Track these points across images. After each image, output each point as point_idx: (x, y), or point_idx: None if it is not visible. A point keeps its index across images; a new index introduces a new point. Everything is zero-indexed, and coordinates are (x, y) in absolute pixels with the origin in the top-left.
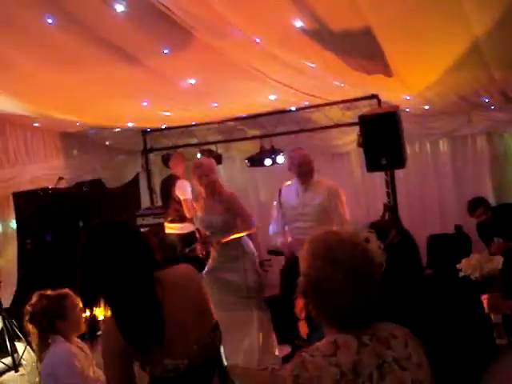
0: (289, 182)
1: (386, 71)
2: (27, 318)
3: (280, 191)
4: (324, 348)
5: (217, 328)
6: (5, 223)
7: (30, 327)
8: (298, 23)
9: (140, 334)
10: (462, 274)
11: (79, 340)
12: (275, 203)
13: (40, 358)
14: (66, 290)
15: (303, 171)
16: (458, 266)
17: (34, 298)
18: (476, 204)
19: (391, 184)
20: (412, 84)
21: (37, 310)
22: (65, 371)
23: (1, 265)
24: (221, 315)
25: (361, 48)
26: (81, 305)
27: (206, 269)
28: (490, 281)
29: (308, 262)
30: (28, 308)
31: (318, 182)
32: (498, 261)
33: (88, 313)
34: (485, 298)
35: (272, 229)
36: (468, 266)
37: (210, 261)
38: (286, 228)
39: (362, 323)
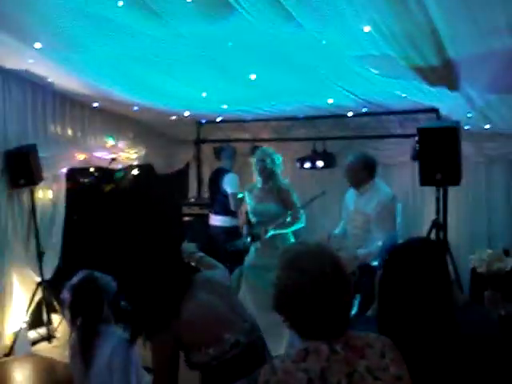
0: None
1: (450, 84)
2: (70, 294)
3: (347, 193)
4: (294, 354)
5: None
6: (56, 196)
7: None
8: (367, 27)
9: None
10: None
11: None
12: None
13: (84, 343)
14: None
15: (349, 181)
16: (470, 256)
17: (81, 276)
18: None
19: (443, 201)
20: (475, 101)
21: (88, 287)
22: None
23: (47, 238)
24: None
25: (426, 57)
26: None
27: (246, 262)
28: (495, 279)
29: (277, 272)
30: (74, 282)
31: (375, 189)
32: (508, 262)
33: None
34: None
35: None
36: (478, 260)
37: (253, 253)
38: None
39: (334, 332)
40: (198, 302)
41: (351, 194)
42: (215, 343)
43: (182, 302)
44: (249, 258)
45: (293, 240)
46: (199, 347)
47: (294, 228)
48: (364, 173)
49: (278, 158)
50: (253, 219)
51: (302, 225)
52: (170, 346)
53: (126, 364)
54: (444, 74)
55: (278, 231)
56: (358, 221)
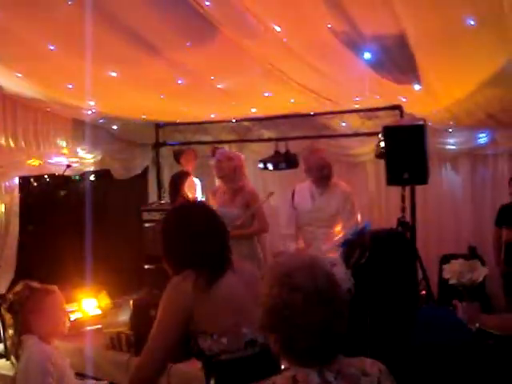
0: (302, 184)
1: (415, 82)
2: (5, 305)
3: (293, 193)
4: (281, 383)
5: None
6: (8, 207)
7: (7, 317)
8: (329, 24)
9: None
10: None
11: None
12: (288, 205)
13: (14, 355)
14: (54, 287)
15: (321, 175)
16: (444, 265)
17: (18, 287)
18: None
19: (411, 200)
20: (441, 98)
21: (16, 299)
22: (36, 378)
23: (1, 249)
24: None
25: (392, 55)
26: (65, 306)
27: None
28: (468, 290)
29: (265, 290)
30: (9, 295)
31: (334, 184)
32: (480, 273)
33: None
34: (459, 306)
35: (284, 230)
36: (449, 271)
37: None
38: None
39: (326, 357)
40: (227, 281)
41: (305, 193)
42: (231, 333)
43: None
44: None
45: (257, 247)
46: (212, 332)
47: (255, 232)
48: (331, 169)
49: (240, 156)
50: None
51: (266, 232)
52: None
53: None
54: (408, 69)
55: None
56: (322, 220)
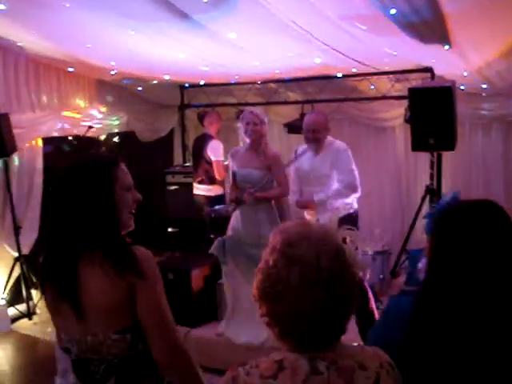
0: (304, 146)
1: (445, 41)
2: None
3: (295, 153)
4: (265, 366)
5: (127, 332)
6: (32, 169)
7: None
8: None
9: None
10: None
11: None
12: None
13: None
14: None
15: (312, 137)
16: None
17: None
18: None
19: (438, 166)
20: (472, 58)
21: None
22: None
23: (24, 210)
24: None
25: (419, 11)
26: None
27: (229, 232)
28: None
29: (265, 255)
30: None
31: (330, 144)
32: None
33: None
34: None
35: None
36: None
37: (234, 222)
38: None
39: (319, 343)
40: None
41: (303, 152)
42: None
43: None
44: (230, 228)
45: (275, 213)
46: None
47: (276, 196)
48: (327, 130)
49: (265, 118)
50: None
51: (288, 196)
52: None
53: None
54: (437, 28)
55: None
56: (318, 180)
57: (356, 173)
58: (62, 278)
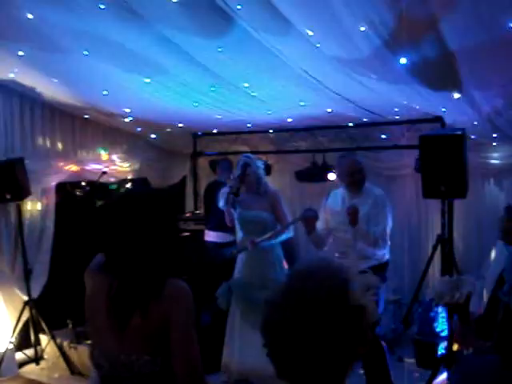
0: (337, 190)
1: (455, 90)
2: None
3: (327, 197)
4: None
5: (158, 355)
6: (44, 212)
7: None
8: (363, 27)
9: None
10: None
11: None
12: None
13: None
14: None
15: (352, 180)
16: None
17: None
18: None
19: (449, 214)
20: (481, 107)
21: None
22: None
23: (35, 254)
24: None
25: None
26: None
27: (235, 275)
28: (453, 310)
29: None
30: None
31: (367, 188)
32: (462, 295)
33: None
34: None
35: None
36: (431, 292)
37: (240, 266)
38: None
39: None
40: None
41: (338, 197)
42: None
43: None
44: (236, 272)
45: (281, 253)
46: None
47: (282, 238)
48: (363, 174)
49: (261, 163)
50: (239, 229)
51: (291, 235)
52: None
53: None
54: (445, 73)
55: (265, 242)
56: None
57: None
58: (126, 303)
